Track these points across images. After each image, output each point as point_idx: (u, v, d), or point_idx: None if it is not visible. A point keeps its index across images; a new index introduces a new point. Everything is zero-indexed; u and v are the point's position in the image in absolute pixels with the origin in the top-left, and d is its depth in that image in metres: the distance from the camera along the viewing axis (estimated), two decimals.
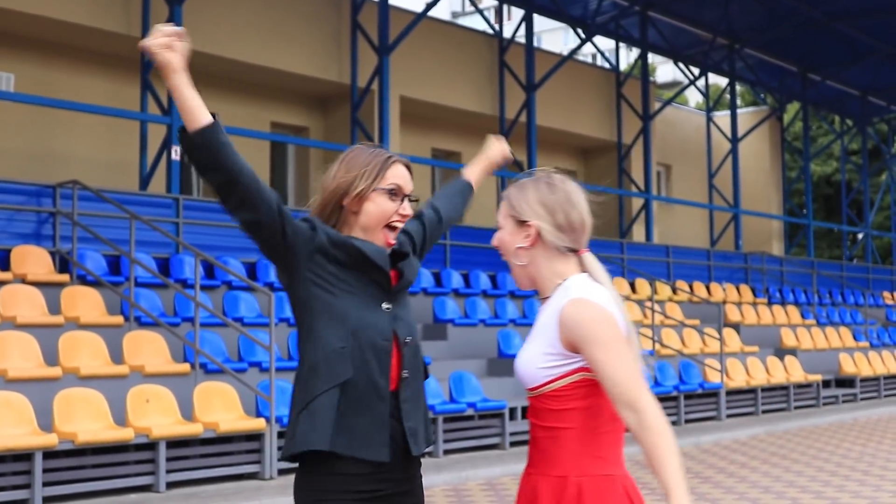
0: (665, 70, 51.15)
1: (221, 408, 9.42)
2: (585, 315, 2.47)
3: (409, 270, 2.95)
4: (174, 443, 8.85)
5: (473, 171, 3.60)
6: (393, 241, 2.90)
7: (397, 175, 2.89)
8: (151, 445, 8.67)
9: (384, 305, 2.83)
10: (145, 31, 14.11)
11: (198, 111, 2.67)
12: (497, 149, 3.65)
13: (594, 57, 47.22)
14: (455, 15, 62.34)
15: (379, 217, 2.85)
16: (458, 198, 3.46)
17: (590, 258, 2.67)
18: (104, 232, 11.66)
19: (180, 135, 2.69)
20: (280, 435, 9.57)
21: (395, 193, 2.87)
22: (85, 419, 8.50)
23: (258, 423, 9.30)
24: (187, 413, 9.29)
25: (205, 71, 16.12)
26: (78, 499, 8.28)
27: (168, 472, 8.75)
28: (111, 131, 15.19)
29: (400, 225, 2.89)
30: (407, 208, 2.90)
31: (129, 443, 8.49)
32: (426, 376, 2.96)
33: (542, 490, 2.52)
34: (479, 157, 3.66)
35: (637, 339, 2.57)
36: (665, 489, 2.35)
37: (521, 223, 2.64)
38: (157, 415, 8.95)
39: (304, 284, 2.79)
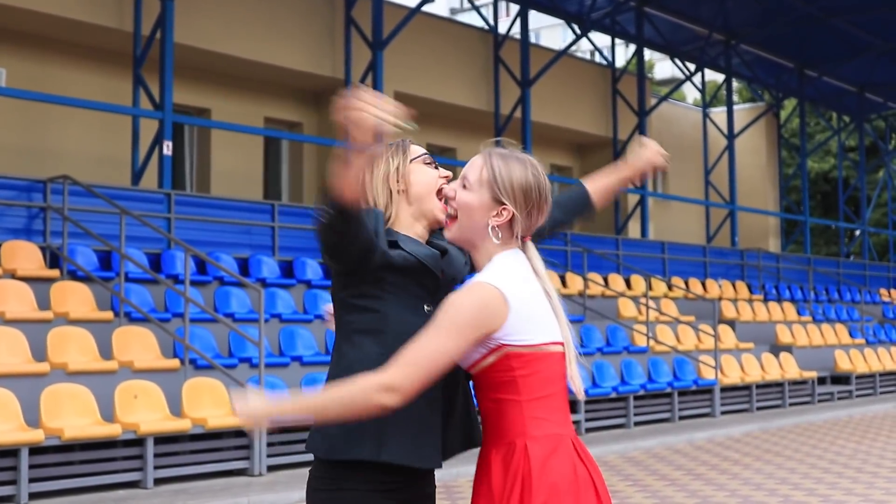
0: (663, 67, 51.12)
1: (211, 404, 9.36)
2: (461, 297, 2.50)
3: (451, 267, 2.88)
4: (163, 439, 8.80)
5: (601, 179, 3.16)
6: (447, 207, 2.82)
7: (417, 150, 2.90)
8: (139, 441, 8.61)
9: (426, 307, 2.77)
10: (137, 25, 14.04)
11: (359, 187, 2.53)
12: (645, 154, 3.04)
13: (592, 54, 47.16)
14: (454, 11, 62.23)
15: (428, 182, 2.83)
16: (556, 210, 3.02)
17: (531, 245, 2.68)
18: (95, 227, 11.60)
19: (321, 196, 2.52)
20: (270, 431, 9.52)
21: (428, 161, 2.88)
22: (72, 415, 8.44)
23: None
24: (176, 409, 9.23)
25: (198, 66, 16.07)
26: (65, 495, 8.22)
27: (156, 468, 8.70)
28: (103, 126, 15.12)
29: (447, 187, 2.80)
30: (444, 170, 2.89)
31: (116, 439, 8.44)
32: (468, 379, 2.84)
33: (493, 458, 2.55)
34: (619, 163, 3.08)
35: (566, 323, 2.62)
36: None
37: (498, 201, 2.61)
38: (145, 411, 8.90)
39: (356, 291, 2.73)
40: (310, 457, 9.84)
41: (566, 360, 2.62)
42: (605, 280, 18.31)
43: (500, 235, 2.62)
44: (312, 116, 18.24)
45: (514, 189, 2.60)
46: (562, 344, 2.60)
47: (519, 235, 2.65)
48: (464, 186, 2.65)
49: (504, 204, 2.60)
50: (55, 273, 10.94)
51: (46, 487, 8.11)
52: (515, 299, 2.52)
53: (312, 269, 13.81)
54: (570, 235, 18.49)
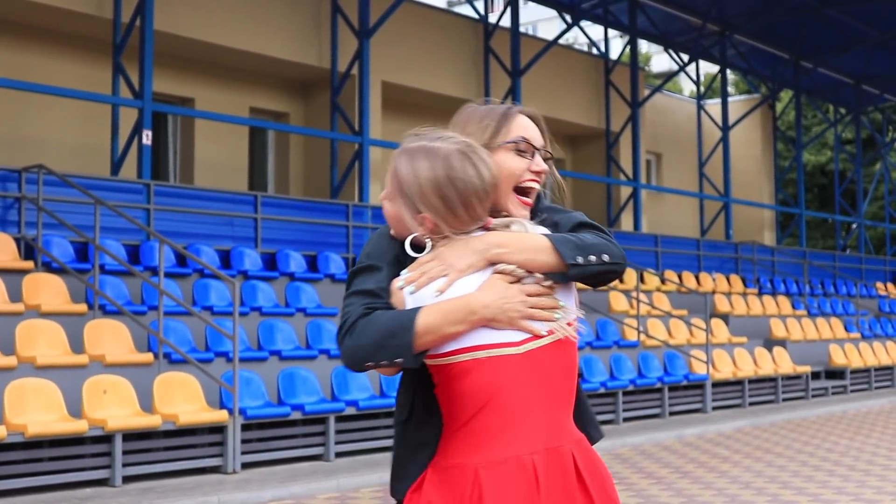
0: (660, 60, 50.86)
1: (183, 399, 9.09)
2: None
3: None
4: (133, 435, 8.53)
5: None
6: (531, 202, 2.41)
7: (521, 126, 2.43)
8: (107, 438, 8.35)
9: None
10: (117, 12, 13.75)
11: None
12: None
13: (589, 47, 46.86)
14: (451, 4, 61.85)
15: (507, 179, 2.36)
16: None
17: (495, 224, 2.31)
18: (71, 218, 11.33)
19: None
20: (244, 427, 9.26)
21: (522, 149, 2.40)
22: (37, 411, 8.17)
23: (220, 416, 8.97)
24: (147, 405, 8.96)
25: (181, 55, 15.78)
26: (29, 493, 7.96)
27: (125, 465, 8.43)
28: (83, 115, 14.83)
29: (535, 186, 2.40)
30: (540, 163, 2.42)
31: (83, 435, 8.18)
32: None
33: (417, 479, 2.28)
34: None
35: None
36: None
37: (415, 209, 2.23)
38: (115, 406, 8.63)
39: None
40: (287, 454, 9.60)
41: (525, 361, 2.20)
42: None
43: (432, 245, 2.25)
44: (299, 107, 17.95)
45: (423, 191, 2.19)
46: (516, 344, 2.16)
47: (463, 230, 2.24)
48: (388, 199, 2.29)
49: (420, 212, 2.21)
50: (29, 265, 10.68)
51: (10, 485, 7.84)
52: (417, 302, 2.18)
53: (296, 261, 13.54)
54: None
